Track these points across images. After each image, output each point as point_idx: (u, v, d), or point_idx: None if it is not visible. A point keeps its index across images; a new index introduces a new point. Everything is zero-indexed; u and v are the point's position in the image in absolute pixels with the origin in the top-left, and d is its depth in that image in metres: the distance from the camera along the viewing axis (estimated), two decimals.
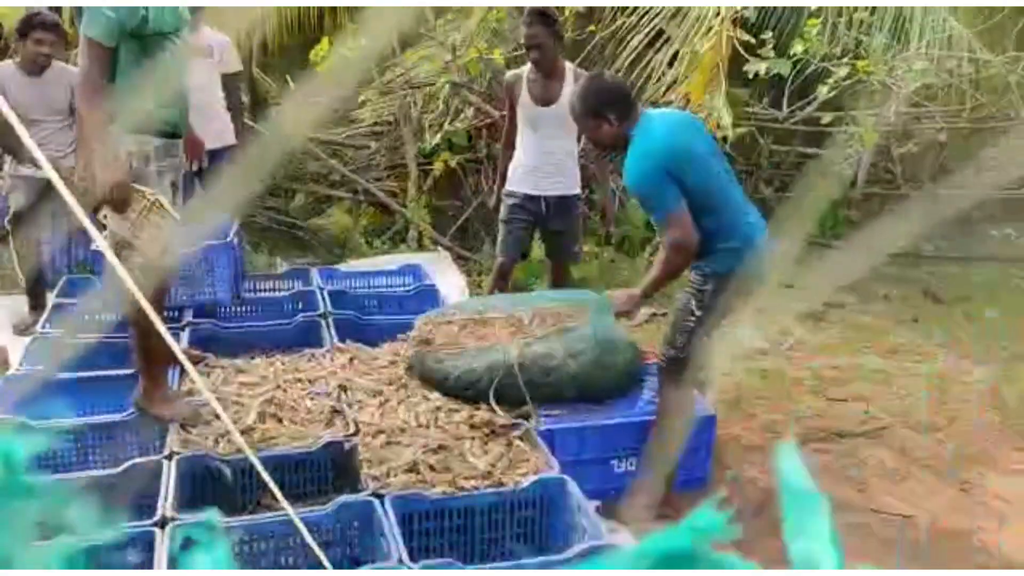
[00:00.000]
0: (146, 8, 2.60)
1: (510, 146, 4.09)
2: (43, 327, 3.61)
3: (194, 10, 4.58)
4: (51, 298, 4.04)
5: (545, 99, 3.88)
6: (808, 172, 7.00)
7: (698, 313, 2.91)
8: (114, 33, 2.58)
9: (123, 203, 2.66)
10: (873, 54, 5.93)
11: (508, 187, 4.07)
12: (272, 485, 1.37)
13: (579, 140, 3.99)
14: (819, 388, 4.23)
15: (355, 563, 2.29)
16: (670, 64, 6.27)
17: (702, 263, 2.90)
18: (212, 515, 0.65)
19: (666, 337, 3.02)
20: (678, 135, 2.88)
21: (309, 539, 1.12)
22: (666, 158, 2.79)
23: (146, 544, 2.26)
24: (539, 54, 3.83)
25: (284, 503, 1.29)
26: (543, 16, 3.79)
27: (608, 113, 2.85)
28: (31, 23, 4.21)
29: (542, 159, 3.94)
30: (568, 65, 3.98)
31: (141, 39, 2.64)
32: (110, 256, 1.32)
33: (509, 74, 4.12)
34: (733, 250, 2.86)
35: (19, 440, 0.54)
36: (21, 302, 4.37)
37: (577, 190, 4.03)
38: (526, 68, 3.97)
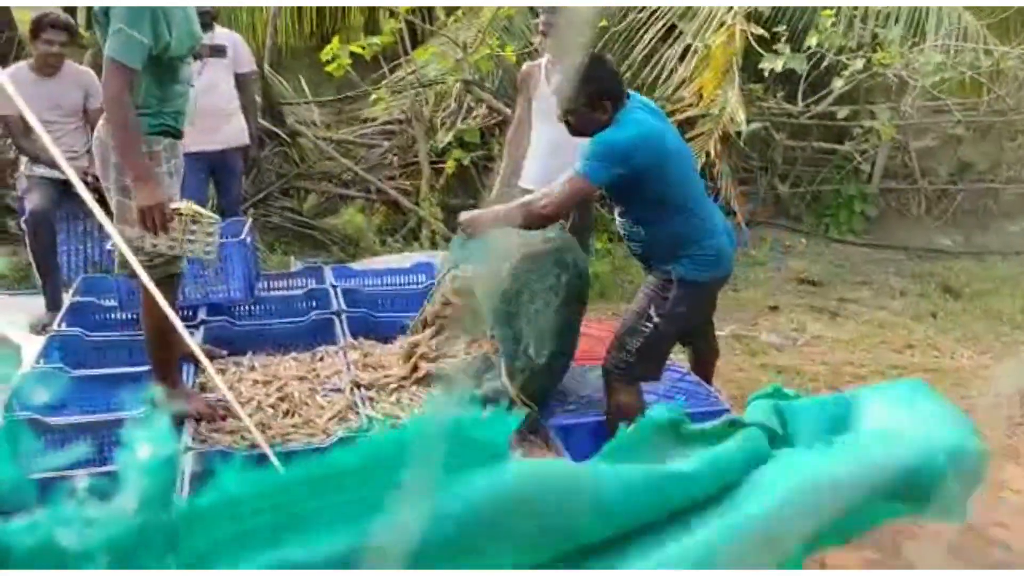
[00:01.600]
0: (170, 33, 2.61)
1: (520, 140, 4.07)
2: (59, 326, 3.63)
3: (206, 11, 4.63)
4: (67, 297, 4.06)
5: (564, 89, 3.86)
6: (823, 168, 6.96)
7: (656, 319, 2.77)
8: (144, 58, 2.59)
9: (164, 225, 2.68)
10: (890, 46, 5.88)
11: (521, 183, 4.06)
12: (239, 409, 1.36)
13: None
14: (835, 383, 4.19)
15: None
16: (681, 59, 6.24)
17: (668, 266, 2.78)
18: (152, 395, 0.66)
19: (617, 339, 2.86)
20: (662, 134, 2.78)
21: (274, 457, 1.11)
22: (641, 143, 2.65)
23: None
24: (552, 40, 3.81)
25: (254, 431, 1.29)
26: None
27: (607, 101, 2.72)
28: (41, 23, 4.24)
29: (556, 152, 3.91)
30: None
31: (159, 61, 2.66)
32: (132, 259, 1.30)
33: (525, 65, 4.08)
34: (704, 258, 2.78)
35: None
36: (37, 302, 4.40)
37: None
38: (543, 60, 3.96)
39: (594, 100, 2.73)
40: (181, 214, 2.68)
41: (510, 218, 2.79)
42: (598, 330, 3.59)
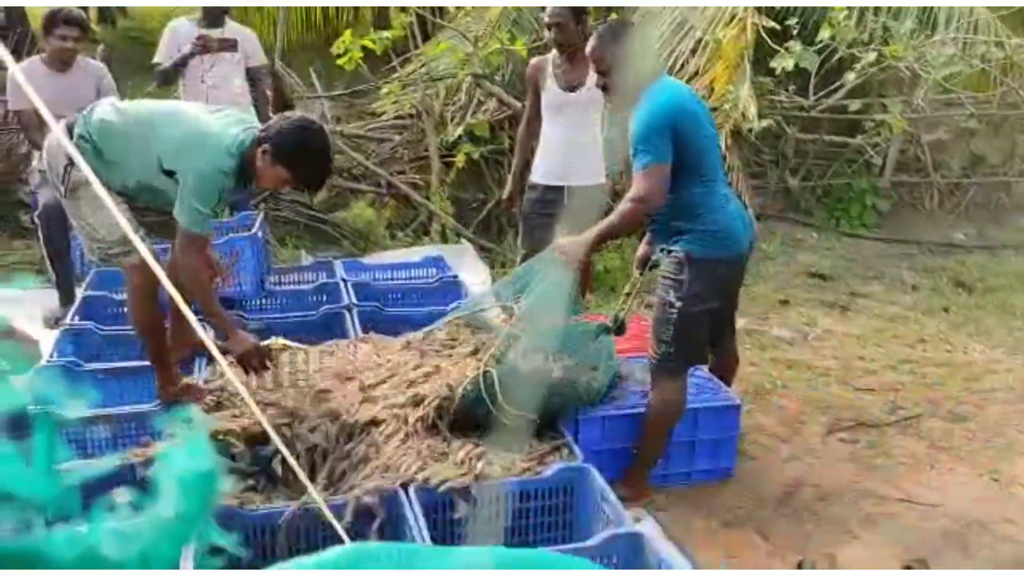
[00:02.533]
0: (219, 198, 2.78)
1: (531, 136, 4.07)
2: (72, 320, 3.66)
3: (218, 7, 4.64)
4: (80, 291, 4.09)
5: (571, 84, 3.85)
6: (835, 161, 6.93)
7: (677, 304, 2.82)
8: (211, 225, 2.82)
9: (264, 366, 2.93)
10: (901, 39, 5.84)
11: (532, 179, 4.06)
12: (299, 471, 1.37)
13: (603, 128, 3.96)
14: (846, 378, 4.18)
15: None
16: (693, 52, 6.22)
17: (674, 245, 2.83)
18: (188, 408, 0.67)
19: (653, 333, 2.92)
20: (695, 100, 2.90)
21: (337, 525, 1.12)
22: (680, 112, 2.76)
23: None
24: (560, 33, 3.78)
25: (310, 487, 1.30)
26: None
27: (633, 66, 2.81)
28: (55, 19, 4.26)
29: (566, 148, 3.91)
30: None
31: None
32: (150, 260, 1.31)
33: (535, 60, 4.08)
34: (709, 234, 2.81)
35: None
36: (51, 295, 4.43)
37: (602, 179, 3.99)
38: (552, 54, 3.95)
39: (627, 59, 2.80)
40: (273, 350, 2.97)
41: (610, 231, 2.85)
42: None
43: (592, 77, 3.78)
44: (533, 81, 4.00)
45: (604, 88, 2.94)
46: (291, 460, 1.24)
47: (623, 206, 2.79)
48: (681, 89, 2.93)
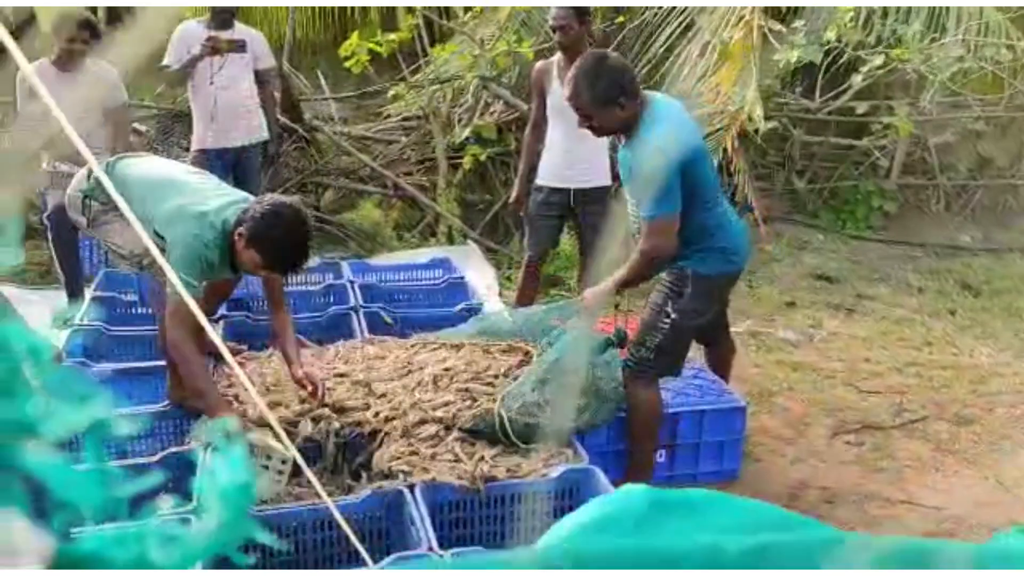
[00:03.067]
0: (202, 271, 2.75)
1: (538, 139, 4.08)
2: (80, 320, 3.68)
3: (227, 8, 4.66)
4: (88, 292, 4.12)
5: None
6: (841, 164, 6.93)
7: (673, 316, 2.80)
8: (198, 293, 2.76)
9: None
10: (910, 42, 5.83)
11: (537, 181, 4.07)
12: (309, 473, 1.39)
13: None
14: (852, 380, 4.18)
15: (386, 552, 2.32)
16: (700, 54, 6.22)
17: (682, 261, 2.79)
18: (227, 420, 0.70)
19: (638, 336, 2.89)
20: (693, 128, 2.82)
21: (346, 527, 1.14)
22: (685, 149, 2.67)
23: None
24: (564, 36, 3.81)
25: (320, 490, 1.31)
26: None
27: (620, 98, 2.67)
28: (65, 21, 4.29)
29: (571, 150, 3.92)
30: None
31: None
32: (160, 259, 1.32)
33: (540, 63, 4.09)
34: (720, 250, 2.79)
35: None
36: (59, 296, 4.46)
37: (608, 181, 4.00)
38: (557, 57, 3.97)
39: (607, 101, 2.69)
40: (253, 446, 2.65)
41: (625, 282, 2.80)
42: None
43: None
44: (539, 84, 4.01)
45: (592, 129, 2.82)
46: (305, 468, 1.25)
47: (636, 257, 2.76)
48: (674, 113, 2.79)
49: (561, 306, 3.28)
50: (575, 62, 3.75)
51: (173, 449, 2.77)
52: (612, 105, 2.69)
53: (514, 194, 4.34)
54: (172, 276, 1.05)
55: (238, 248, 2.73)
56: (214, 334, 1.37)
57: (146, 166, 3.09)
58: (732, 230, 2.85)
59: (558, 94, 3.91)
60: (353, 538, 1.16)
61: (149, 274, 3.00)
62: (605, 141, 3.95)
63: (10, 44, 0.87)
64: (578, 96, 2.73)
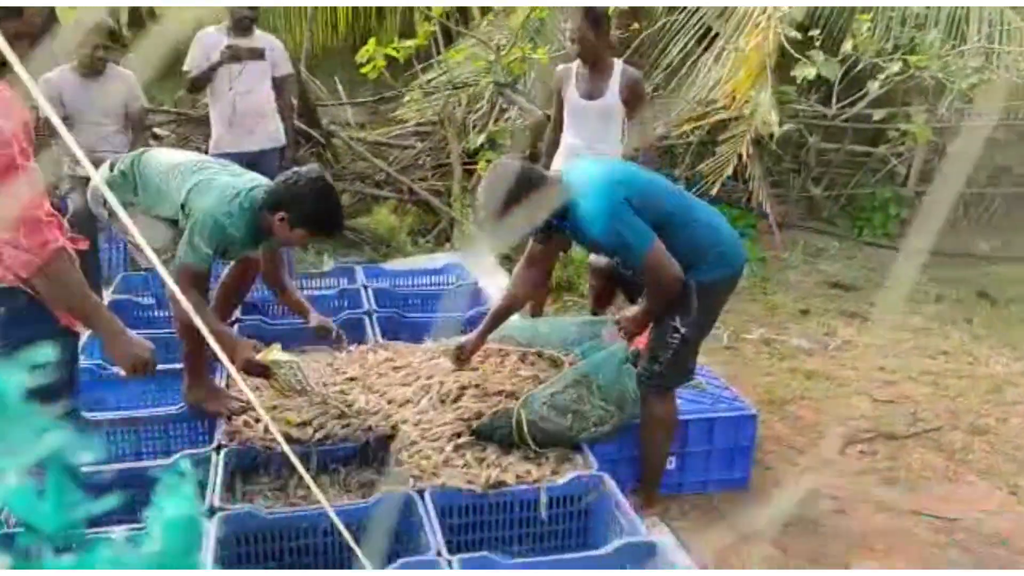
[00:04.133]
0: (220, 242, 2.82)
1: (556, 142, 4.10)
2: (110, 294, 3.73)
3: (246, 15, 4.71)
4: (107, 295, 4.17)
5: (590, 93, 3.90)
6: (858, 171, 6.90)
7: (683, 330, 2.79)
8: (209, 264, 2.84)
9: (264, 374, 2.93)
10: (929, 49, 5.80)
11: None
12: (308, 479, 1.40)
13: (623, 136, 3.98)
14: (865, 389, 4.16)
15: (395, 556, 2.33)
16: (717, 60, 6.22)
17: (685, 276, 2.75)
18: (184, 462, 0.73)
19: (650, 351, 2.88)
20: (615, 164, 2.85)
21: (343, 530, 1.15)
22: (617, 184, 2.68)
23: None
24: (582, 49, 3.85)
25: (319, 495, 1.33)
26: (584, 9, 3.80)
27: (526, 196, 2.68)
28: (84, 27, 4.35)
29: (584, 155, 3.93)
30: (616, 62, 3.98)
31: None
32: (161, 270, 1.35)
33: (560, 67, 4.13)
34: (716, 256, 2.77)
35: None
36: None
37: None
38: (576, 62, 3.99)
39: (520, 205, 2.68)
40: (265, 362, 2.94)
41: (660, 303, 2.81)
42: None
43: (613, 89, 3.85)
44: (558, 89, 4.04)
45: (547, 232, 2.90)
46: (304, 472, 1.26)
47: (651, 297, 2.81)
48: (585, 173, 2.79)
49: (591, 322, 3.33)
50: (596, 66, 3.83)
51: (188, 451, 2.80)
52: (518, 205, 2.68)
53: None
54: (161, 270, 1.07)
55: (278, 231, 2.82)
56: (217, 348, 1.39)
57: (168, 153, 3.16)
58: (723, 234, 2.84)
59: (574, 99, 3.94)
60: (351, 541, 1.17)
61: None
62: (619, 147, 3.97)
63: (12, 58, 0.90)
64: (489, 217, 2.78)
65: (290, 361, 2.96)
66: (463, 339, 3.16)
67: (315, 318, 3.44)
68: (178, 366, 3.14)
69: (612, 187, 2.68)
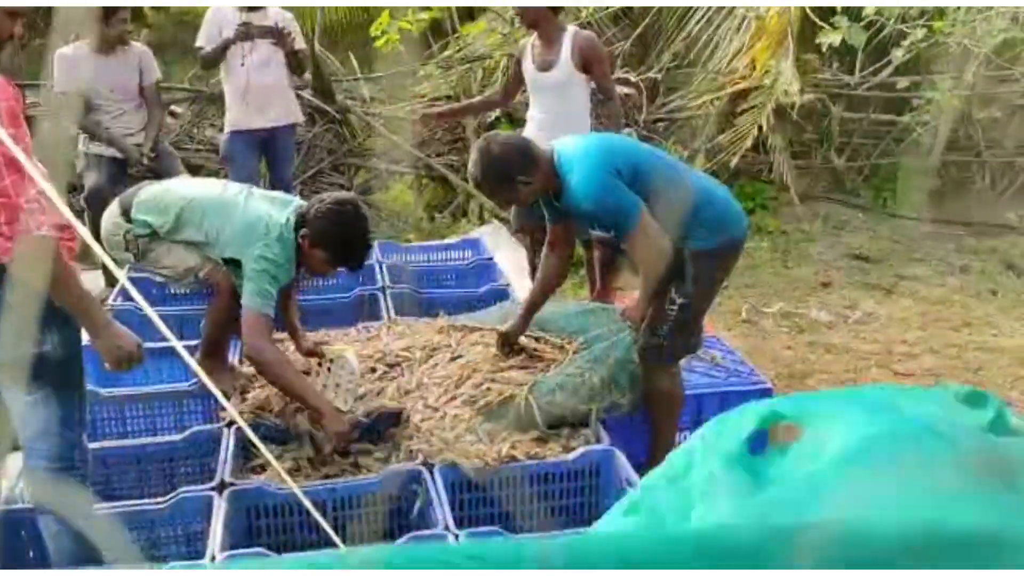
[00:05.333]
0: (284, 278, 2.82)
1: (488, 107, 4.49)
2: (115, 301, 3.76)
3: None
4: (123, 273, 4.18)
5: (543, 65, 3.92)
6: (882, 140, 6.76)
7: (680, 301, 2.76)
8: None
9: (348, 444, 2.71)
10: (954, 13, 5.65)
11: None
12: (269, 456, 1.39)
13: (593, 103, 3.97)
14: (886, 363, 4.10)
15: (404, 530, 2.33)
16: (738, 29, 6.10)
17: (679, 244, 2.72)
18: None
19: (649, 323, 2.84)
20: (604, 137, 2.85)
21: (317, 516, 1.15)
22: (605, 155, 2.66)
23: (205, 506, 2.35)
24: (524, 20, 4.01)
25: (281, 470, 1.32)
26: None
27: (519, 176, 2.69)
28: (113, 8, 4.37)
29: (547, 128, 3.85)
30: (568, 28, 3.99)
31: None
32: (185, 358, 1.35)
33: (521, 42, 4.22)
34: (711, 223, 2.72)
35: None
36: (95, 277, 4.54)
37: None
38: (534, 36, 4.01)
39: (504, 185, 2.72)
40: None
41: (650, 280, 2.76)
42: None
43: (563, 58, 3.86)
44: (518, 60, 4.09)
45: (515, 203, 2.99)
46: (263, 450, 1.26)
47: (642, 270, 2.76)
48: (579, 146, 2.77)
49: (593, 309, 3.31)
50: (546, 37, 3.87)
51: (199, 427, 2.82)
52: (509, 183, 2.71)
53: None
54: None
55: (304, 250, 2.79)
56: (196, 367, 1.39)
57: (185, 189, 3.08)
58: (718, 202, 2.78)
59: (530, 72, 4.00)
60: (323, 524, 1.17)
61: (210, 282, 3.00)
62: (587, 121, 3.94)
63: None
64: (477, 184, 2.86)
65: (350, 364, 3.00)
66: (505, 327, 3.10)
67: (304, 344, 3.19)
68: (193, 343, 3.16)
69: (601, 158, 2.66)
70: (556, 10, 3.93)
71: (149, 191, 3.06)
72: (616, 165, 2.64)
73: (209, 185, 3.21)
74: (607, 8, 6.41)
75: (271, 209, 2.87)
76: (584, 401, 2.79)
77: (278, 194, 3.08)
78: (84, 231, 1.51)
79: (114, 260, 3.16)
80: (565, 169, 2.70)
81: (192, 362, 1.68)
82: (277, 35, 4.59)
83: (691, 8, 6.36)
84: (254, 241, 2.76)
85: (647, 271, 2.73)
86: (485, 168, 2.71)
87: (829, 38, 5.61)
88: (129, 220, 2.99)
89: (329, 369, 3.01)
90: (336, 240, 2.74)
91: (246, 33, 4.53)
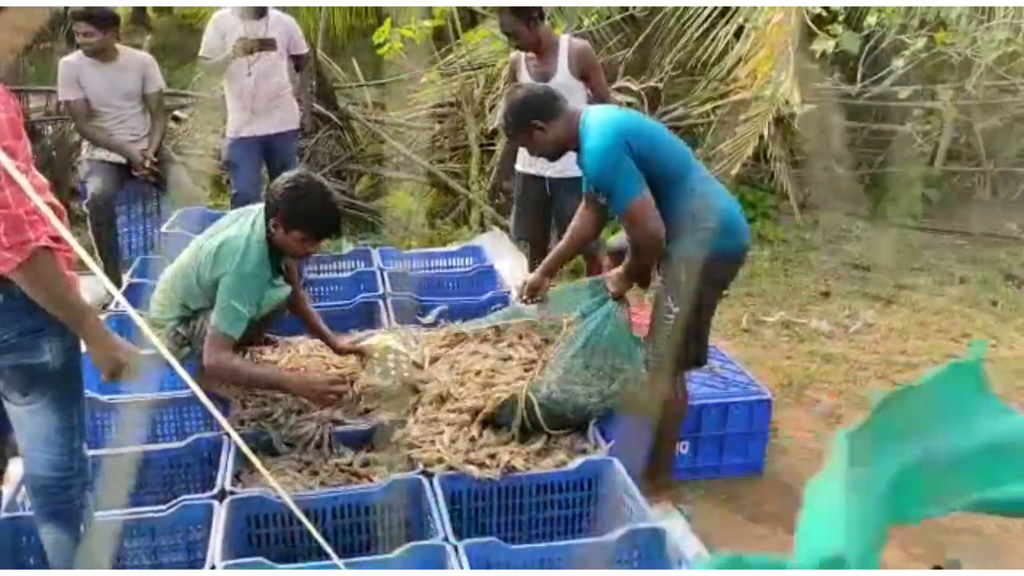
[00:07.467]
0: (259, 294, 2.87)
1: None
2: (117, 306, 3.76)
3: (259, 7, 4.67)
4: (126, 278, 4.20)
5: (542, 75, 3.90)
6: (883, 150, 6.77)
7: (675, 309, 2.76)
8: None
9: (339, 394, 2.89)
10: (957, 23, 5.66)
11: (517, 167, 4.12)
12: (258, 464, 1.40)
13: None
14: (886, 373, 4.11)
15: (404, 540, 2.34)
16: (737, 36, 6.12)
17: (672, 249, 2.74)
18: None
19: (652, 337, 2.87)
20: (630, 113, 2.93)
21: (310, 526, 1.15)
22: (623, 128, 2.72)
23: (206, 515, 2.36)
24: (516, 41, 3.92)
25: (270, 479, 1.33)
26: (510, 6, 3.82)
27: (535, 121, 2.82)
28: (75, 15, 4.37)
29: None
30: (562, 37, 3.99)
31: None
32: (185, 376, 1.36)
33: (513, 54, 4.17)
34: (704, 231, 2.71)
35: None
36: (95, 283, 4.54)
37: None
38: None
39: (523, 127, 2.86)
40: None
41: (637, 268, 2.85)
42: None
43: (562, 66, 3.87)
44: (513, 74, 4.07)
45: (536, 151, 2.98)
46: (255, 461, 1.27)
47: (630, 250, 2.81)
48: (606, 114, 2.86)
49: (587, 285, 3.25)
50: (540, 52, 3.87)
51: (201, 435, 2.83)
52: (529, 128, 2.85)
53: (493, 178, 4.38)
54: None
55: (279, 237, 2.81)
56: (189, 379, 1.41)
57: (165, 272, 3.13)
58: (720, 208, 2.78)
59: (528, 82, 3.94)
60: (316, 534, 1.17)
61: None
62: None
63: None
64: (502, 126, 3.06)
65: (396, 350, 3.09)
66: (528, 277, 3.23)
67: (338, 343, 3.29)
68: None
69: (615, 129, 2.72)
70: (535, 19, 3.88)
71: (152, 298, 3.10)
72: (628, 140, 2.69)
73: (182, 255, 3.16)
74: (609, 17, 6.43)
75: (230, 231, 2.89)
76: (585, 396, 2.79)
77: (239, 211, 3.07)
78: (76, 245, 1.51)
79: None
80: (584, 132, 2.79)
81: (183, 373, 1.68)
82: (275, 45, 4.60)
83: (691, 13, 6.38)
84: (227, 258, 2.79)
85: (637, 246, 2.78)
86: (508, 108, 2.92)
87: (823, 45, 5.62)
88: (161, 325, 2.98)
89: (376, 361, 3.08)
90: (302, 215, 2.77)
91: (246, 50, 4.51)
